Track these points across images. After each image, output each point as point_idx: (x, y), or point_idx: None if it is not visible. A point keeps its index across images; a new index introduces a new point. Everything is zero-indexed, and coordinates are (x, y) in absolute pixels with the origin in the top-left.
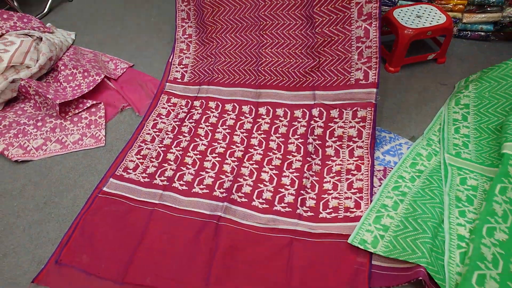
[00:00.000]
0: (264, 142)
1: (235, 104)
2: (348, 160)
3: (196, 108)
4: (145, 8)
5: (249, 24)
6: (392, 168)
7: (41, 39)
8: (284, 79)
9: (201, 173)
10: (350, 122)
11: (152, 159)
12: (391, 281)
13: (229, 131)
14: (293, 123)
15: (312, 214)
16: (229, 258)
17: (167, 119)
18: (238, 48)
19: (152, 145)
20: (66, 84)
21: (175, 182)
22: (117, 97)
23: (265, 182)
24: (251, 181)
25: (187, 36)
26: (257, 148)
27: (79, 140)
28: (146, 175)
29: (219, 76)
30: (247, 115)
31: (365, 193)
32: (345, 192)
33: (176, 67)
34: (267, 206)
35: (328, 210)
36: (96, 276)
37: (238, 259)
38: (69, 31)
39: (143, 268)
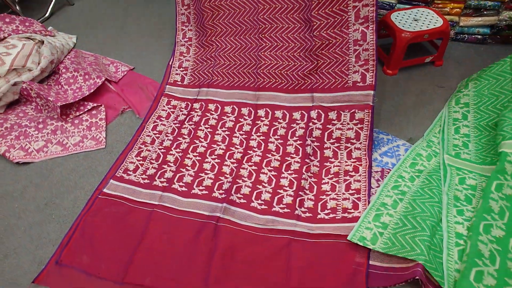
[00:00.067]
0: (263, 144)
1: (234, 106)
2: (346, 162)
3: (196, 110)
4: (145, 12)
5: (248, 28)
6: (389, 170)
7: (42, 42)
8: (283, 81)
9: (200, 174)
10: (348, 124)
11: (152, 161)
12: (389, 281)
13: (229, 133)
14: (292, 125)
15: (310, 215)
16: (228, 259)
17: (167, 121)
18: (237, 51)
19: (152, 147)
20: (67, 87)
21: (175, 184)
22: (118, 100)
23: (263, 183)
24: (250, 182)
25: (187, 39)
26: (256, 149)
27: (79, 142)
28: (146, 177)
29: (219, 78)
30: (246, 117)
31: (363, 194)
32: (343, 193)
33: (176, 70)
34: (266, 207)
35: (326, 211)
36: (96, 277)
37: (237, 259)
38: (71, 34)
39: (143, 268)
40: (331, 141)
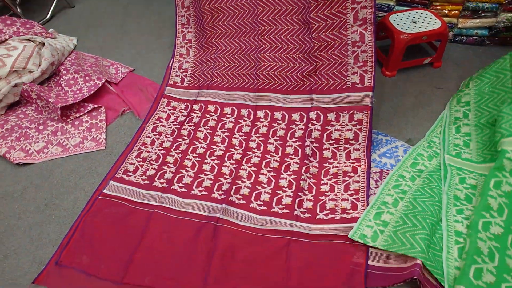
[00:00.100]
0: (262, 145)
1: (234, 107)
2: (345, 163)
3: (196, 111)
4: (145, 13)
5: (247, 29)
6: (388, 170)
7: (43, 44)
8: (282, 83)
9: (200, 175)
10: (347, 125)
11: (151, 162)
12: (387, 281)
13: (228, 134)
14: (291, 126)
15: (309, 215)
16: (227, 259)
17: (167, 123)
18: (237, 52)
19: (152, 148)
20: (68, 88)
21: (174, 184)
22: (118, 101)
23: (263, 184)
24: (249, 183)
25: (187, 41)
26: (255, 150)
27: (80, 143)
28: (146, 178)
29: (218, 80)
30: (246, 118)
31: (361, 195)
32: (342, 194)
33: (176, 72)
34: (265, 207)
35: (325, 212)
36: (96, 277)
37: (236, 259)
38: (71, 36)
39: (142, 268)
40: (330, 142)
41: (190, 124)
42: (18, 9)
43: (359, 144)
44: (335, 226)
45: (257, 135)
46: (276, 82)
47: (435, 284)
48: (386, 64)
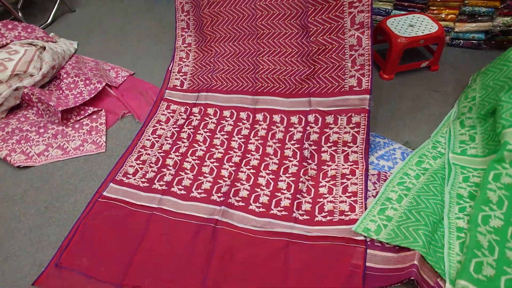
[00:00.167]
0: (261, 148)
1: (233, 110)
2: (343, 165)
3: (195, 114)
4: (145, 18)
5: (246, 33)
6: (386, 173)
7: (44, 48)
8: (281, 86)
9: (199, 178)
10: (345, 127)
11: (151, 164)
12: (384, 282)
13: (227, 137)
14: (290, 129)
15: (308, 217)
16: (226, 260)
17: (167, 126)
18: (236, 56)
19: (151, 150)
20: (68, 92)
21: (174, 187)
22: (118, 104)
23: (262, 187)
24: (248, 185)
25: (187, 45)
26: (254, 153)
27: (80, 146)
28: (146, 180)
29: (218, 83)
30: (245, 121)
31: (359, 197)
32: (340, 196)
33: (176, 75)
34: (264, 210)
35: (323, 214)
36: (96, 279)
37: (235, 261)
38: (72, 40)
39: (142, 270)
40: (328, 144)
41: (189, 127)
42: (20, 14)
43: (357, 146)
44: (333, 228)
45: (256, 137)
46: (275, 85)
47: (432, 285)
48: (384, 68)
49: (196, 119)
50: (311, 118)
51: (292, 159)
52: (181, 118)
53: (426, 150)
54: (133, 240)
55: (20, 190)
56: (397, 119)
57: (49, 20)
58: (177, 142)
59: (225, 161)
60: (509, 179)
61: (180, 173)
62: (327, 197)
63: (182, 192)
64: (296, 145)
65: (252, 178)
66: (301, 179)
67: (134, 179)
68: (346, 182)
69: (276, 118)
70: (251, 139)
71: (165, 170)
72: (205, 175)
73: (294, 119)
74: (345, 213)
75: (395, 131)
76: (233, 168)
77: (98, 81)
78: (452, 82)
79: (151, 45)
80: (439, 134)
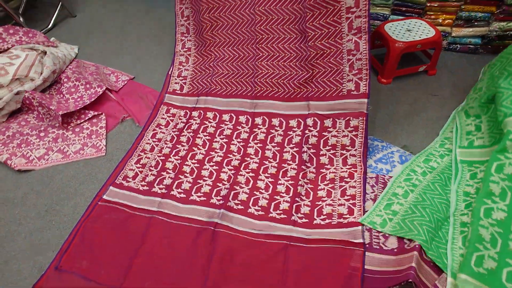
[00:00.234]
0: (260, 151)
1: (232, 114)
2: (341, 168)
3: (195, 118)
4: (145, 21)
5: (245, 38)
6: (384, 176)
7: (45, 53)
8: (280, 90)
9: (198, 181)
10: (343, 131)
11: (151, 168)
12: (383, 284)
13: (226, 140)
14: (288, 132)
15: (307, 220)
16: (226, 262)
17: (166, 129)
18: (235, 60)
19: (151, 154)
20: (69, 96)
21: (173, 190)
22: (118, 108)
23: (261, 190)
24: (247, 188)
25: (187, 49)
26: (253, 157)
27: (80, 150)
28: (145, 183)
29: (217, 87)
30: (244, 125)
31: (358, 200)
32: (339, 199)
33: (176, 79)
34: (263, 213)
35: (322, 217)
36: (96, 282)
37: (235, 263)
38: (73, 45)
39: (142, 273)
40: (327, 148)
41: (189, 130)
42: (21, 19)
43: (355, 150)
44: (332, 231)
45: (255, 141)
46: (274, 89)
47: (430, 287)
48: (382, 72)
49: (195, 123)
50: (309, 121)
51: (291, 162)
52: (181, 122)
53: (433, 149)
54: (133, 243)
55: (20, 193)
56: (395, 123)
57: (50, 25)
58: (176, 146)
59: (224, 165)
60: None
61: (180, 176)
62: (326, 200)
63: (182, 195)
64: (295, 149)
65: (251, 181)
66: (300, 183)
67: (134, 183)
68: (344, 185)
69: (275, 121)
70: (250, 143)
71: (164, 173)
72: (204, 178)
73: (293, 122)
74: (344, 216)
75: (393, 135)
76: (232, 172)
77: (98, 85)
78: (449, 86)
79: (151, 48)
80: (448, 129)
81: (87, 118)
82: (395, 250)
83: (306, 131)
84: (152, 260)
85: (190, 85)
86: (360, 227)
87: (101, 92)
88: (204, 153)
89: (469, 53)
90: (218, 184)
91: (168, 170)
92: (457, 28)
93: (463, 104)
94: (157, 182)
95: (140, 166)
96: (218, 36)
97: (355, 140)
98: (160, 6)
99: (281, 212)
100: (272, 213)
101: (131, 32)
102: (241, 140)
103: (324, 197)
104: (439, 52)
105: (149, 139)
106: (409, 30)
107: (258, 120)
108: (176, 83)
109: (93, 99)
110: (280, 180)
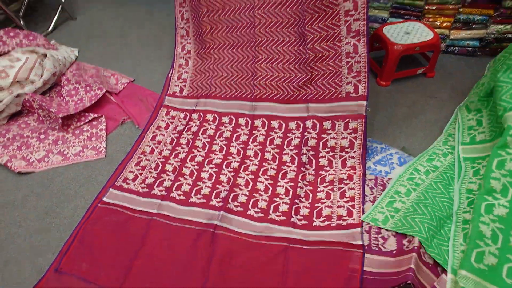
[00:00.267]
0: (259, 153)
1: (232, 116)
2: (340, 170)
3: (194, 120)
4: (145, 25)
5: (245, 41)
6: (383, 177)
7: (45, 55)
8: (279, 92)
9: (198, 183)
10: (342, 133)
11: (151, 170)
12: (382, 285)
13: (226, 142)
14: (288, 134)
15: (306, 222)
16: (225, 264)
17: (166, 132)
18: (234, 63)
19: (151, 156)
20: (69, 98)
21: (173, 192)
22: (118, 111)
23: (260, 192)
24: (247, 190)
25: (186, 52)
26: (252, 159)
27: (80, 152)
28: (145, 186)
29: (217, 90)
30: (243, 127)
31: (357, 202)
32: (338, 201)
33: (175, 82)
34: (262, 215)
35: (321, 219)
36: (96, 284)
37: (234, 265)
38: (73, 47)
39: (142, 275)
40: (326, 150)
41: (188, 133)
42: (21, 21)
43: (354, 152)
44: (331, 232)
45: (255, 143)
46: (273, 91)
47: None
48: (381, 75)
49: (195, 125)
50: (308, 124)
51: (290, 164)
52: (181, 124)
53: (437, 148)
54: (133, 245)
55: (20, 195)
56: (393, 125)
57: (51, 27)
58: (176, 148)
59: (224, 167)
60: None
61: (180, 178)
62: (325, 202)
63: (182, 197)
64: (294, 151)
65: (251, 183)
66: (299, 184)
67: (134, 185)
68: (343, 187)
69: (274, 124)
70: (249, 145)
71: (164, 175)
72: (204, 180)
73: (292, 125)
74: (343, 218)
75: (391, 137)
76: (232, 174)
77: (98, 87)
78: (447, 88)
79: (151, 51)
80: (451, 126)
81: (87, 120)
82: (394, 251)
83: (305, 133)
84: (152, 262)
85: (190, 88)
86: (359, 229)
87: (101, 95)
88: (204, 155)
89: (467, 56)
90: (217, 186)
91: (168, 172)
92: (455, 31)
93: (465, 100)
94: (157, 184)
95: (140, 168)
96: (218, 39)
97: (354, 142)
98: (160, 9)
99: (281, 214)
100: (271, 215)
101: (131, 35)
102: (240, 142)
103: (323, 199)
104: (437, 55)
105: (149, 141)
106: (407, 33)
107: (258, 122)
108: (176, 85)
109: (93, 102)
110: (280, 182)
